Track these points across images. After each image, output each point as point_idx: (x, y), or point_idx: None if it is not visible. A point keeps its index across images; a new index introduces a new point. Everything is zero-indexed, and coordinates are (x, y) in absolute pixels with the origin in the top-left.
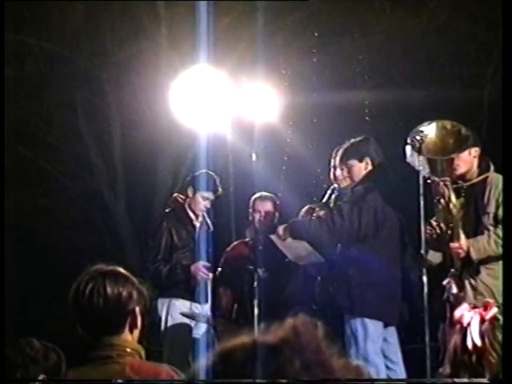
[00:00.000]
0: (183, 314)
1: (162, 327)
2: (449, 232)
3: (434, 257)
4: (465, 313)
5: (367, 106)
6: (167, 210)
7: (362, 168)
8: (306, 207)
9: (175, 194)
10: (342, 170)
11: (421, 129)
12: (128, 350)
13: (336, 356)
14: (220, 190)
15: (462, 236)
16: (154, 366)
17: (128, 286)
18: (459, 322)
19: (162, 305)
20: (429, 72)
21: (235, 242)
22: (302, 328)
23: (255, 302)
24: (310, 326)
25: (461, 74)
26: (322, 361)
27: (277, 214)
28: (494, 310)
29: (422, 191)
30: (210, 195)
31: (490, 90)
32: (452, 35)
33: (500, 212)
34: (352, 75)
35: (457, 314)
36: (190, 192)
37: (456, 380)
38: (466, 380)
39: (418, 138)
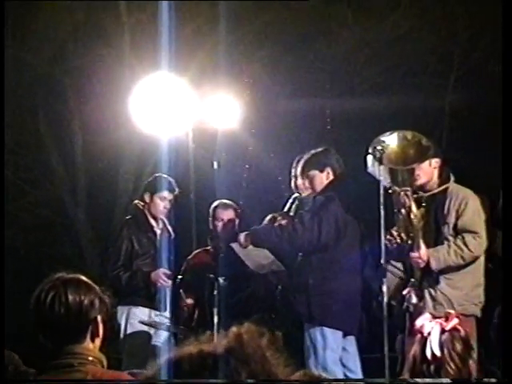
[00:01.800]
0: (142, 323)
1: (122, 335)
2: (409, 242)
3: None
4: (426, 323)
5: (329, 115)
6: (128, 217)
7: (323, 178)
8: (270, 216)
9: (135, 201)
10: (303, 179)
11: (382, 139)
12: (90, 358)
13: (282, 365)
14: (177, 189)
15: (422, 246)
16: (115, 375)
17: (90, 295)
18: (420, 331)
19: (122, 312)
20: (391, 81)
21: (196, 250)
22: (246, 337)
23: (215, 310)
24: (255, 334)
25: (422, 84)
26: (268, 370)
27: (238, 222)
28: (454, 321)
29: (382, 201)
30: (168, 195)
31: (451, 100)
32: (414, 45)
33: (460, 222)
34: (314, 84)
35: (418, 323)
36: (147, 197)
37: (456, 380)
38: (466, 379)
39: (379, 147)
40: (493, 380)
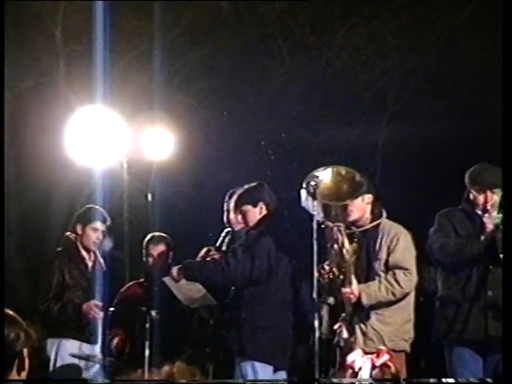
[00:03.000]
0: (73, 355)
1: (51, 368)
2: (341, 277)
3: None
4: (357, 358)
5: (264, 148)
6: (59, 249)
7: (256, 213)
8: (205, 249)
9: (67, 233)
10: (236, 214)
11: (316, 174)
12: None
13: None
14: (109, 220)
15: (354, 281)
16: None
17: (15, 328)
18: (351, 366)
19: (52, 345)
20: (326, 117)
21: (130, 283)
22: (178, 376)
23: (146, 344)
24: (186, 374)
25: (357, 120)
26: None
27: (171, 255)
28: (385, 357)
29: (315, 236)
30: (100, 226)
31: (385, 137)
32: (349, 81)
33: (391, 258)
34: (250, 117)
35: (349, 358)
36: (79, 228)
37: (456, 380)
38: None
39: (313, 182)
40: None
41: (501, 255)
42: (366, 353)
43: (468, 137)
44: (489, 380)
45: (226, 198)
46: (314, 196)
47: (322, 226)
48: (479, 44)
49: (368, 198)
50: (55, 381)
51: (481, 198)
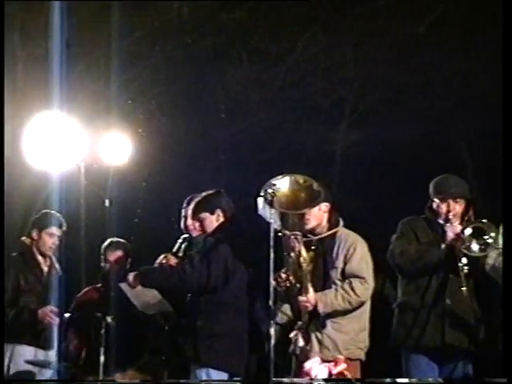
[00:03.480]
0: (28, 362)
1: (5, 374)
2: (298, 285)
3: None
4: (314, 366)
5: (223, 154)
6: (14, 254)
7: (213, 220)
8: (162, 256)
9: (23, 238)
10: (193, 221)
11: (274, 182)
12: None
13: None
14: (65, 225)
15: (311, 289)
16: None
17: None
18: (308, 373)
19: (6, 351)
20: (285, 124)
21: (86, 288)
22: None
23: (102, 350)
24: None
25: (315, 128)
26: None
27: (129, 261)
28: (342, 366)
29: (272, 244)
30: (56, 231)
31: (343, 145)
32: (308, 90)
33: (348, 267)
34: (208, 123)
35: (307, 366)
36: (34, 233)
37: (456, 380)
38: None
39: (270, 191)
40: (493, 380)
41: (459, 264)
42: (324, 361)
43: (427, 145)
44: (490, 380)
45: (184, 205)
46: (271, 204)
47: (279, 234)
48: (439, 54)
49: (325, 206)
50: (55, 381)
51: (443, 208)
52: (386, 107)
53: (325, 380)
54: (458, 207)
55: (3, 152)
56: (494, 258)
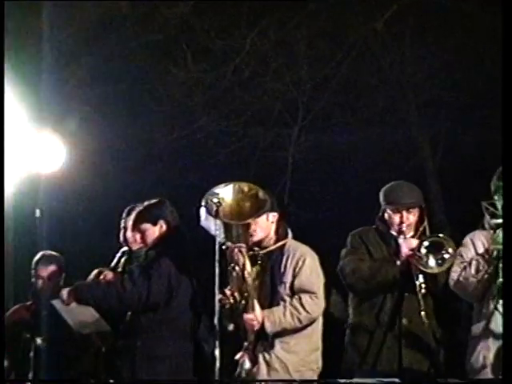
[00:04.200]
0: None
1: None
2: (243, 302)
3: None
4: None
5: (166, 160)
6: None
7: (155, 232)
8: (96, 270)
9: None
10: (133, 232)
11: (216, 191)
12: None
13: None
14: None
15: (257, 307)
16: None
17: None
18: None
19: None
20: (232, 128)
21: (15, 306)
22: None
23: (31, 374)
24: None
25: (265, 133)
26: None
27: (62, 276)
28: None
29: (218, 257)
30: None
31: (295, 151)
32: (258, 90)
33: (297, 281)
34: (150, 127)
35: None
36: None
37: (456, 380)
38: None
39: (213, 200)
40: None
41: (417, 282)
42: None
43: (383, 151)
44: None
45: (124, 215)
46: (214, 214)
47: (224, 246)
48: (396, 54)
49: (273, 216)
50: (55, 381)
51: (396, 218)
52: (342, 110)
53: None
54: (411, 217)
55: (3, 152)
56: (458, 272)
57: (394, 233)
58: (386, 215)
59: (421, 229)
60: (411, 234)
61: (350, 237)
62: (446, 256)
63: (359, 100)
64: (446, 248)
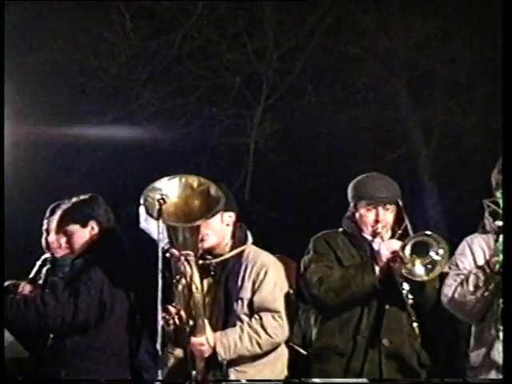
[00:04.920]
0: None
1: None
2: (191, 322)
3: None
4: None
5: (103, 148)
6: None
7: (85, 235)
8: (8, 282)
9: None
10: (58, 235)
11: (158, 186)
12: None
13: None
14: None
15: (208, 328)
16: None
17: None
18: None
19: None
20: (180, 109)
21: None
22: None
23: None
24: None
25: (222, 114)
26: None
27: None
28: None
29: (161, 267)
30: None
31: (256, 138)
32: (213, 63)
33: (257, 297)
34: (82, 109)
35: None
36: None
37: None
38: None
39: (156, 197)
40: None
41: (403, 291)
42: None
43: (365, 138)
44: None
45: (47, 214)
46: (155, 215)
47: (167, 254)
48: (381, 18)
49: (229, 217)
50: (55, 381)
51: (370, 217)
52: (314, 87)
53: None
54: (388, 215)
55: (3, 153)
56: (453, 287)
57: (368, 235)
58: (356, 214)
59: (399, 231)
60: (388, 236)
61: (313, 242)
62: (437, 258)
63: (337, 75)
64: (435, 249)
